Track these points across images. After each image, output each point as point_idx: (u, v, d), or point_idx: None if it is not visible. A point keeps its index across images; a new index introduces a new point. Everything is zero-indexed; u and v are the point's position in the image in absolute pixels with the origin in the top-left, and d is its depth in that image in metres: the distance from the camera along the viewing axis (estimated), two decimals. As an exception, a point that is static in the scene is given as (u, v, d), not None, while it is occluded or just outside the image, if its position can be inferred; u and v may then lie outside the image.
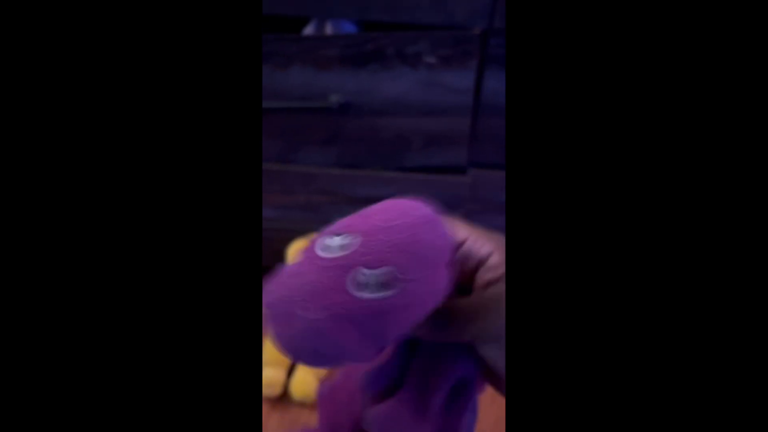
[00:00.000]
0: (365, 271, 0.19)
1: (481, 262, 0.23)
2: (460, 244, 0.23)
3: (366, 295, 0.19)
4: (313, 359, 0.20)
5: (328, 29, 0.62)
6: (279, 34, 0.58)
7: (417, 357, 0.25)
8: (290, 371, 0.62)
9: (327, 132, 0.62)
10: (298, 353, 0.21)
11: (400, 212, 0.21)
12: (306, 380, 0.59)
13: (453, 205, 0.65)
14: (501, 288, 0.22)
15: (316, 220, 0.66)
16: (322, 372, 0.61)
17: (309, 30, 0.62)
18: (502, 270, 0.22)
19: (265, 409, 0.60)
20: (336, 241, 0.21)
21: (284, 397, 0.60)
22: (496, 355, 0.22)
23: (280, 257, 0.63)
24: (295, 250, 0.63)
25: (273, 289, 0.21)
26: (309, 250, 0.21)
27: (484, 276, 0.22)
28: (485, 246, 0.23)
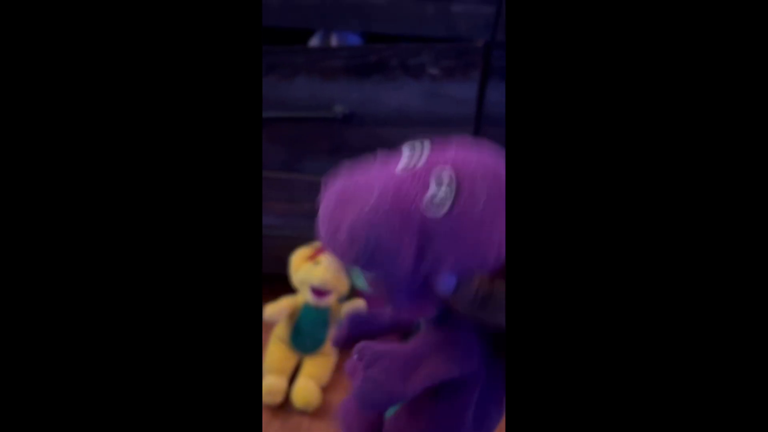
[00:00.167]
0: (435, 181, 0.20)
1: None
2: None
3: (432, 209, 0.19)
4: (362, 251, 0.20)
5: (333, 41, 0.63)
6: (285, 46, 0.59)
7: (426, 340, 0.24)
8: (292, 379, 0.62)
9: (331, 141, 0.63)
10: (353, 240, 0.20)
11: (490, 160, 0.21)
12: (308, 388, 0.60)
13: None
14: None
15: (319, 228, 0.66)
16: (323, 381, 0.61)
17: (314, 42, 0.63)
18: None
19: (267, 416, 0.60)
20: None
21: (285, 405, 0.60)
22: None
23: (283, 265, 0.64)
24: (298, 258, 0.63)
25: (335, 187, 0.21)
26: (382, 165, 0.21)
27: None
28: None
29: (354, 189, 0.21)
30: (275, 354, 0.62)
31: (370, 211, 0.20)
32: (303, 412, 0.60)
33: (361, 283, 0.23)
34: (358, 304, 0.60)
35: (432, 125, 0.61)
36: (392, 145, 0.67)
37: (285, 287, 0.64)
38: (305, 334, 0.62)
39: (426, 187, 0.20)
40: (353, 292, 0.61)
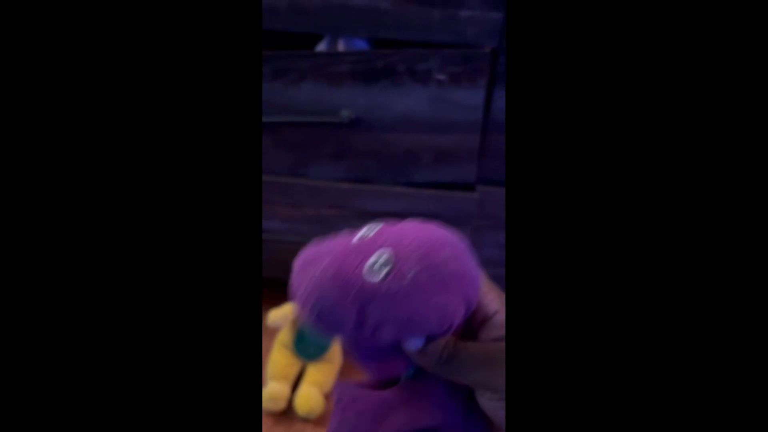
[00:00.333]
0: (377, 253, 0.22)
1: (486, 318, 0.24)
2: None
3: (370, 278, 0.22)
4: (315, 315, 0.23)
5: (341, 46, 0.63)
6: (292, 51, 0.59)
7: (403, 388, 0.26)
8: (295, 386, 0.61)
9: (337, 147, 0.63)
10: (305, 304, 0.23)
11: (434, 233, 0.24)
12: (310, 395, 0.59)
13: (461, 221, 0.65)
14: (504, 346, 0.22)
15: (324, 233, 0.66)
16: (326, 388, 0.60)
17: (322, 47, 0.63)
18: (503, 331, 0.23)
19: (269, 423, 0.59)
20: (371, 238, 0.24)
21: (288, 412, 0.60)
22: (495, 406, 0.23)
23: (287, 269, 0.63)
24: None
25: (307, 251, 0.25)
26: (345, 236, 0.25)
27: (489, 332, 0.23)
28: (493, 303, 0.24)
29: (314, 255, 0.24)
30: (278, 360, 0.62)
31: (318, 276, 0.23)
32: (306, 420, 0.59)
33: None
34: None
35: (438, 131, 0.61)
36: (398, 151, 0.67)
37: (289, 292, 0.64)
38: (309, 341, 0.62)
39: (367, 258, 0.22)
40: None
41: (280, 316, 0.62)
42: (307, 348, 0.62)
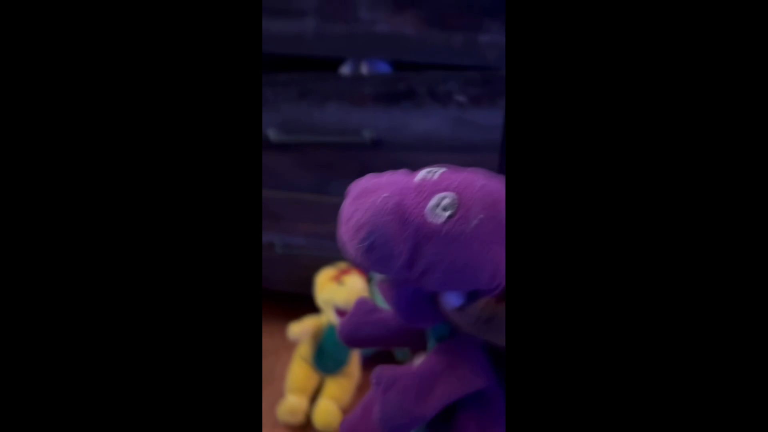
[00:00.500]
0: (440, 195, 0.21)
1: None
2: None
3: (431, 218, 0.21)
4: (366, 245, 0.21)
5: (364, 68, 0.65)
6: (317, 73, 0.62)
7: (441, 352, 0.24)
8: (313, 400, 0.62)
9: (359, 166, 0.65)
10: (358, 232, 0.22)
11: (500, 186, 0.23)
12: (329, 409, 0.60)
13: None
14: None
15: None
16: (344, 402, 0.61)
17: (345, 69, 0.66)
18: None
19: (287, 436, 0.60)
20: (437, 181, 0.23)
21: (306, 426, 0.60)
22: None
23: (309, 284, 0.65)
24: (323, 278, 0.64)
25: (363, 181, 0.23)
26: (405, 174, 0.23)
27: None
28: None
29: (370, 188, 0.23)
30: (297, 373, 0.63)
31: (376, 208, 0.21)
32: (323, 434, 0.60)
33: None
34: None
35: (458, 151, 0.62)
36: (418, 170, 0.68)
37: (310, 307, 0.65)
38: (328, 355, 0.63)
39: (430, 197, 0.21)
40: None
41: (300, 330, 0.64)
42: (325, 362, 0.63)
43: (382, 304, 0.25)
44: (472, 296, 0.22)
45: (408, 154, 0.63)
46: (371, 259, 0.22)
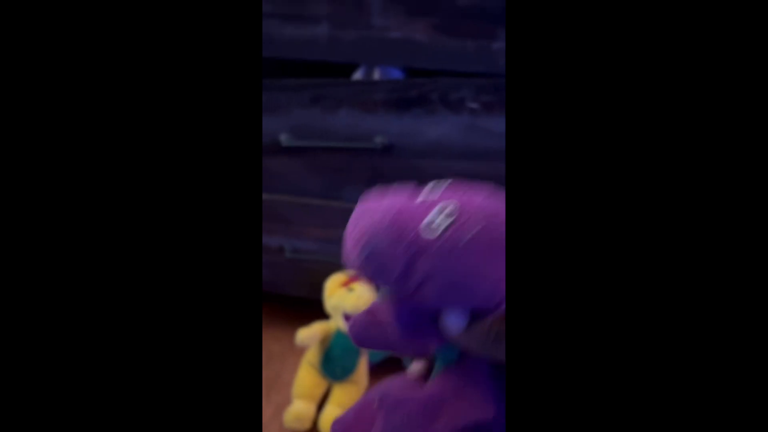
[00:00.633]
0: (441, 203, 0.21)
1: None
2: None
3: (428, 233, 0.21)
4: (364, 257, 0.22)
5: (376, 74, 0.65)
6: (330, 79, 0.62)
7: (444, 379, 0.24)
8: (320, 406, 0.62)
9: (370, 172, 0.65)
10: (356, 245, 0.23)
11: (500, 205, 0.23)
12: (335, 416, 0.59)
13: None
14: None
15: (354, 255, 0.67)
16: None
17: (358, 75, 0.66)
18: None
19: (294, 442, 0.60)
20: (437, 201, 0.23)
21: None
22: None
23: (318, 289, 0.65)
24: (332, 284, 0.64)
25: (369, 200, 0.24)
26: (410, 191, 0.24)
27: None
28: None
29: (373, 207, 0.24)
30: (305, 379, 0.63)
31: (374, 221, 0.22)
32: (330, 441, 0.59)
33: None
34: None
35: (470, 158, 0.62)
36: (429, 177, 0.68)
37: (319, 312, 0.65)
38: (335, 361, 0.62)
39: (429, 210, 0.22)
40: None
41: (308, 335, 0.63)
42: (333, 368, 0.63)
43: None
44: (475, 317, 0.22)
45: (419, 161, 0.63)
46: (369, 269, 0.23)
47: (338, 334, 0.62)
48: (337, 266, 0.66)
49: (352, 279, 0.63)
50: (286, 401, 0.62)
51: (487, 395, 0.24)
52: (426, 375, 0.26)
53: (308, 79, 0.63)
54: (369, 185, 0.66)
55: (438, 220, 0.21)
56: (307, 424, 0.60)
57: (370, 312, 0.26)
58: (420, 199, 0.23)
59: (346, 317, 0.61)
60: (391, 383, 0.26)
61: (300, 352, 0.66)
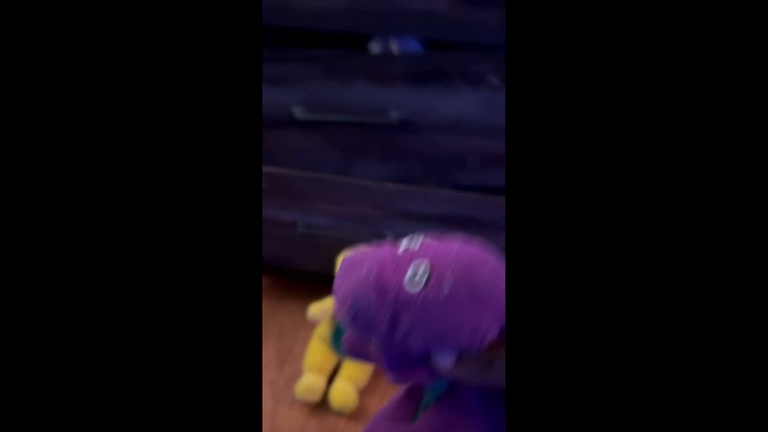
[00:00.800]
0: (416, 262, 0.23)
1: None
2: None
3: (410, 287, 0.23)
4: (351, 315, 0.24)
5: (393, 45, 0.63)
6: (344, 50, 0.61)
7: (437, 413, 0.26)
8: (330, 379, 0.62)
9: (385, 147, 0.64)
10: (343, 303, 0.24)
11: (476, 252, 0.25)
12: (345, 390, 0.60)
13: (502, 225, 0.64)
14: None
15: (367, 231, 0.67)
16: (361, 383, 0.61)
17: (374, 46, 0.64)
18: None
19: (304, 414, 0.61)
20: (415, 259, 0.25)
21: (322, 405, 0.61)
22: None
23: (330, 264, 0.65)
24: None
25: (352, 256, 0.26)
26: (390, 245, 0.26)
27: None
28: None
29: (359, 260, 0.25)
30: (316, 353, 0.63)
31: (358, 280, 0.24)
32: (339, 414, 0.60)
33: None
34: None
35: (487, 135, 0.60)
36: (446, 154, 0.66)
37: (330, 287, 0.65)
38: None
39: (408, 267, 0.24)
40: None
41: (320, 310, 0.64)
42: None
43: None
44: (463, 352, 0.24)
45: (436, 137, 0.61)
46: (357, 326, 0.24)
47: (350, 309, 0.62)
48: (349, 242, 0.66)
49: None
50: (298, 373, 0.63)
51: (478, 429, 0.25)
52: (412, 397, 0.28)
53: (323, 50, 0.61)
54: (384, 160, 0.65)
55: (418, 272, 0.23)
56: (318, 396, 0.61)
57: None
58: (400, 251, 0.25)
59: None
60: (383, 416, 0.28)
61: (312, 326, 0.67)
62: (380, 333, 0.24)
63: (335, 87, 0.61)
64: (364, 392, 0.61)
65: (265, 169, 0.66)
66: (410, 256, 0.24)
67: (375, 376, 0.62)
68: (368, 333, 0.24)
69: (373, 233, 0.66)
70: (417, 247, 0.25)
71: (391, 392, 0.29)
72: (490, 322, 0.23)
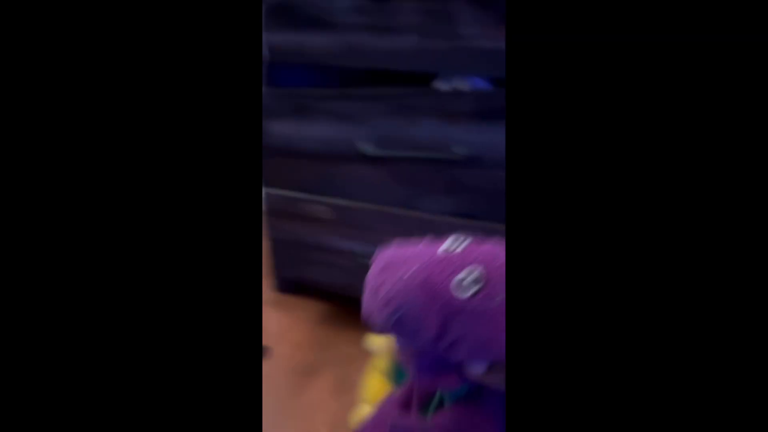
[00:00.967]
0: (467, 269, 0.22)
1: None
2: None
3: (458, 293, 0.22)
4: (396, 319, 0.22)
5: (460, 84, 0.65)
6: (411, 88, 0.63)
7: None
8: (386, 413, 0.62)
9: (450, 182, 0.64)
10: (387, 306, 0.23)
11: None
12: (400, 425, 0.59)
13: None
14: None
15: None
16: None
17: (440, 84, 0.66)
18: None
19: (358, 446, 0.60)
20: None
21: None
22: None
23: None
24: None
25: (387, 252, 0.25)
26: (429, 244, 0.25)
27: None
28: None
29: (398, 258, 0.24)
30: (373, 384, 0.63)
31: (406, 281, 0.23)
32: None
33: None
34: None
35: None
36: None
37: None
38: (403, 371, 0.62)
39: (457, 271, 0.22)
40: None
41: (379, 344, 0.64)
42: (401, 377, 0.63)
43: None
44: (492, 363, 0.23)
45: (500, 173, 0.61)
46: (400, 331, 0.23)
47: (408, 343, 0.62)
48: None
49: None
50: (355, 403, 0.63)
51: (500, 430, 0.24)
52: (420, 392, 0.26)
53: (391, 88, 0.63)
54: (448, 195, 0.66)
55: (467, 281, 0.22)
56: (372, 430, 0.60)
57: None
58: (442, 250, 0.23)
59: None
60: (392, 405, 0.27)
61: (371, 355, 0.67)
62: (425, 340, 0.22)
63: (402, 124, 0.63)
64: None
65: (331, 200, 0.68)
66: (459, 260, 0.23)
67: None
68: (412, 339, 0.23)
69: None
70: (461, 249, 0.23)
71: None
72: None
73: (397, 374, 0.62)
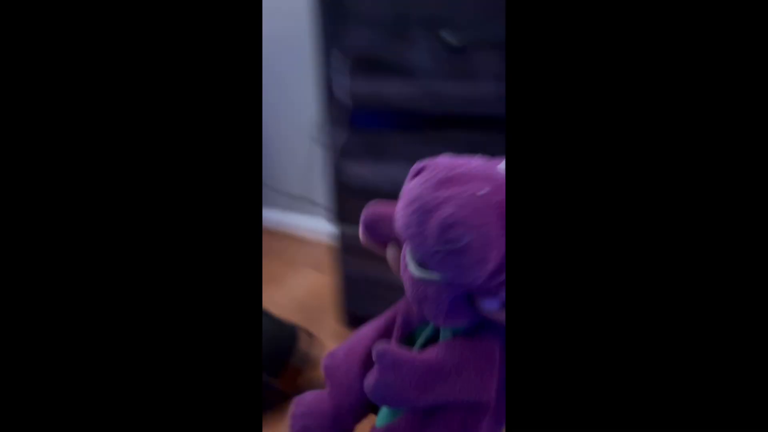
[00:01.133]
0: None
1: None
2: None
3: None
4: (450, 244, 0.18)
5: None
6: (486, 131, 0.64)
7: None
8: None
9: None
10: (446, 228, 0.19)
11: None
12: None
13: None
14: None
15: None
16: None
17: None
18: None
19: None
20: None
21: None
22: None
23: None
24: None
25: (440, 163, 0.22)
26: (486, 161, 0.23)
27: None
28: None
29: (457, 176, 0.19)
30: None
31: (476, 204, 0.18)
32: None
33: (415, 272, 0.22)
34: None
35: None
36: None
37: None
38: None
39: None
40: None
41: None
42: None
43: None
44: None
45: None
46: (459, 262, 0.18)
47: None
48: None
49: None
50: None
51: (486, 378, 0.22)
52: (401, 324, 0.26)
53: (467, 133, 0.65)
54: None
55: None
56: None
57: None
58: (500, 169, 0.20)
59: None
60: (372, 332, 0.26)
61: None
62: (479, 274, 0.19)
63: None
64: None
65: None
66: None
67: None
68: (468, 272, 0.19)
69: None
70: None
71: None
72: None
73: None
